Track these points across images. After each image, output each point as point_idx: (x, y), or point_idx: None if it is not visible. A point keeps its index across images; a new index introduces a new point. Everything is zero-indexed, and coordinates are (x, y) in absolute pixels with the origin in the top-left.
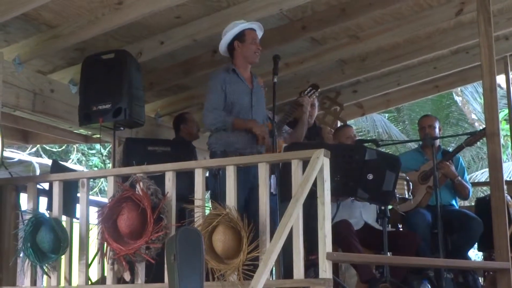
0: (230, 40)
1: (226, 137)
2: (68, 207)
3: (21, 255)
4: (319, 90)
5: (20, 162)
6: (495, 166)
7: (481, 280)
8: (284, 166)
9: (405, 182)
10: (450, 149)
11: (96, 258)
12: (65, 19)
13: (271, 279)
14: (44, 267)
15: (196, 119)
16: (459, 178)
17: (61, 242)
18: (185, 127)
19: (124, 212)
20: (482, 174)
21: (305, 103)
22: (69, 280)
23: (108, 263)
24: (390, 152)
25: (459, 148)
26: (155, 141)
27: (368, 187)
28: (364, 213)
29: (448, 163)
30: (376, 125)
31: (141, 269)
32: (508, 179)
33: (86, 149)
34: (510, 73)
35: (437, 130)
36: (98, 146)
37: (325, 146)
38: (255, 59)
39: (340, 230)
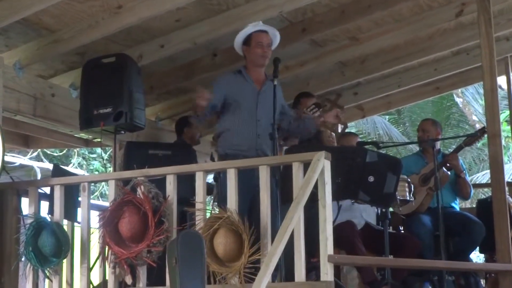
0: (240, 44)
1: (230, 138)
2: (70, 211)
3: (22, 259)
4: (321, 110)
5: (21, 166)
6: (497, 167)
7: (483, 282)
8: (285, 169)
9: (406, 184)
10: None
11: (98, 262)
12: (66, 23)
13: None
14: (46, 271)
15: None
16: (464, 173)
17: (62, 246)
18: (188, 130)
19: (125, 216)
20: (483, 176)
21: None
22: (70, 284)
23: (109, 267)
24: (391, 154)
25: (458, 148)
26: (156, 144)
27: (369, 190)
28: (364, 213)
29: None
30: (376, 127)
31: (142, 273)
32: (509, 180)
33: (87, 153)
34: (511, 74)
35: (432, 134)
36: (99, 150)
37: (326, 148)
38: (261, 61)
39: (345, 231)
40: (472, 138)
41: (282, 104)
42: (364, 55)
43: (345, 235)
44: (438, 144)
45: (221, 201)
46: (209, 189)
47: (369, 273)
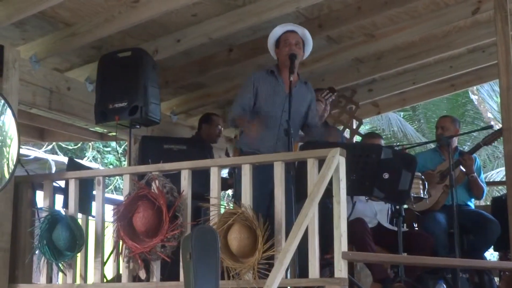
0: (273, 48)
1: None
2: (84, 205)
3: (37, 252)
4: (335, 94)
5: (36, 159)
6: None
7: (496, 280)
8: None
9: (420, 181)
10: (466, 148)
11: (112, 256)
12: (82, 17)
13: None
14: (60, 265)
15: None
16: (475, 175)
17: (77, 240)
18: (206, 127)
19: (140, 210)
20: (498, 173)
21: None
22: (84, 278)
23: (123, 261)
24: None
25: (477, 147)
26: (171, 139)
27: (384, 186)
28: (378, 213)
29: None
30: (391, 123)
31: (156, 267)
32: None
33: (101, 146)
34: None
35: (451, 131)
36: (113, 143)
37: (341, 145)
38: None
39: (355, 229)
40: (491, 138)
41: (309, 107)
42: (380, 51)
43: (355, 232)
44: (456, 141)
45: (237, 197)
46: (226, 184)
47: (381, 271)
